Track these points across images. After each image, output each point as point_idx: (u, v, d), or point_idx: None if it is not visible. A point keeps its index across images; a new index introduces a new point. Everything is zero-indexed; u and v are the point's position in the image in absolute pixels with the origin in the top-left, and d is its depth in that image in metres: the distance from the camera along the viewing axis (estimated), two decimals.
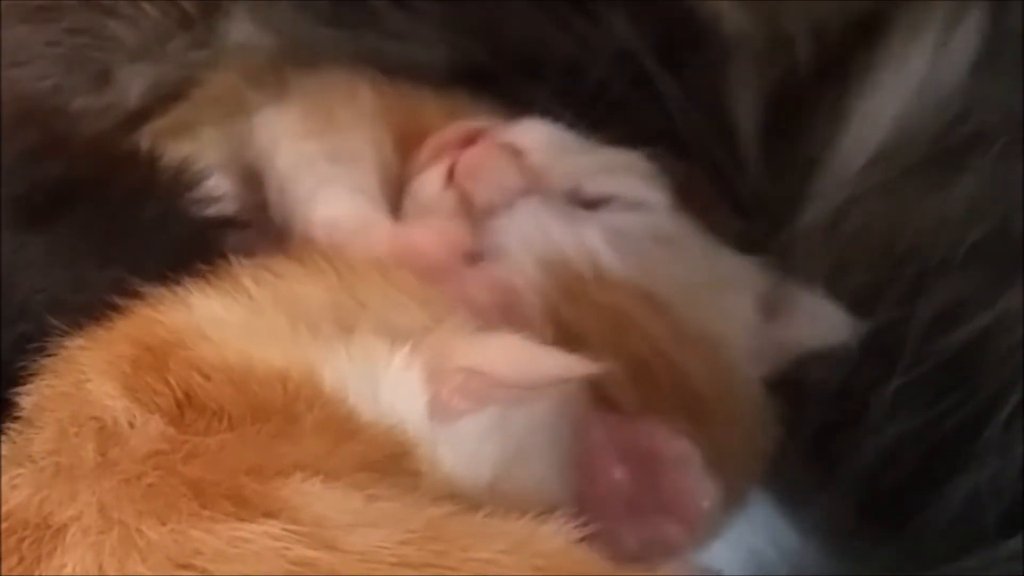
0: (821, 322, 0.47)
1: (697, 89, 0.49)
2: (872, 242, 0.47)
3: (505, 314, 0.42)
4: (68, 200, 0.42)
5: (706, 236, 0.48)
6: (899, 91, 0.46)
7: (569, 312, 0.42)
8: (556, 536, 0.33)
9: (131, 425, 0.33)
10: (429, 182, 0.47)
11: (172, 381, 0.34)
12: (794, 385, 0.46)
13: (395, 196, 0.48)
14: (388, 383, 0.36)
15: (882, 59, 0.47)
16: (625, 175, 0.48)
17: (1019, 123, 0.44)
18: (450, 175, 0.46)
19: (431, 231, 0.45)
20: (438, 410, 0.36)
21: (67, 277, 0.40)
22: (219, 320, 0.36)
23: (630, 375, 0.43)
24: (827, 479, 0.47)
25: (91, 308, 0.37)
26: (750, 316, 0.46)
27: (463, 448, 0.36)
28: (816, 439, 0.46)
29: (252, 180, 0.49)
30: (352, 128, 0.49)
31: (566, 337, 0.42)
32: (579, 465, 0.40)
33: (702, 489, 0.41)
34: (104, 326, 0.36)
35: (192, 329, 0.36)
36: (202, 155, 0.48)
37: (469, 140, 0.47)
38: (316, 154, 0.48)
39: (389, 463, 0.35)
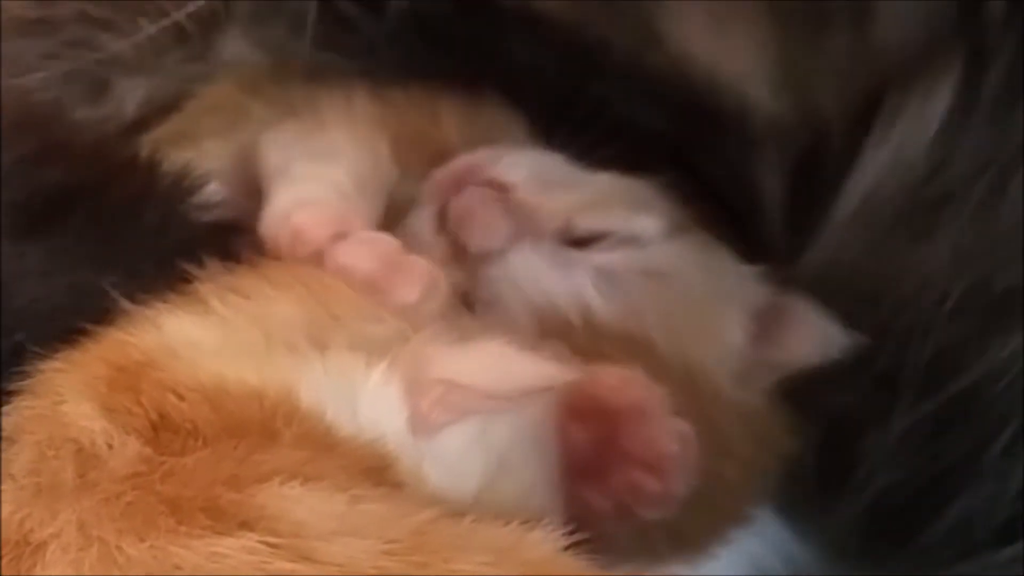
0: (815, 336, 0.46)
1: (722, 165, 0.49)
2: (859, 297, 0.47)
3: (394, 275, 0.42)
4: (67, 206, 0.41)
5: (707, 248, 0.48)
6: (880, 155, 0.47)
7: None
8: (542, 544, 0.33)
9: (109, 447, 0.33)
10: (422, 225, 0.46)
11: (145, 403, 0.34)
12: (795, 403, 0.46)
13: (396, 203, 0.48)
14: (367, 399, 0.36)
15: (876, 126, 0.47)
16: (617, 208, 0.47)
17: (990, 179, 0.44)
18: (442, 219, 0.46)
19: (310, 213, 0.44)
20: (418, 424, 0.36)
21: (66, 284, 0.40)
22: (191, 340, 0.36)
23: None
24: (830, 489, 0.47)
25: (90, 315, 0.38)
26: (740, 337, 0.45)
27: (445, 460, 0.36)
28: (818, 451, 0.46)
29: (253, 191, 0.49)
30: (337, 129, 0.48)
31: None
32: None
33: (668, 433, 0.39)
34: (79, 347, 0.36)
35: (164, 350, 0.36)
36: (201, 163, 0.48)
37: (460, 180, 0.46)
38: (297, 155, 0.47)
39: (370, 475, 0.34)
